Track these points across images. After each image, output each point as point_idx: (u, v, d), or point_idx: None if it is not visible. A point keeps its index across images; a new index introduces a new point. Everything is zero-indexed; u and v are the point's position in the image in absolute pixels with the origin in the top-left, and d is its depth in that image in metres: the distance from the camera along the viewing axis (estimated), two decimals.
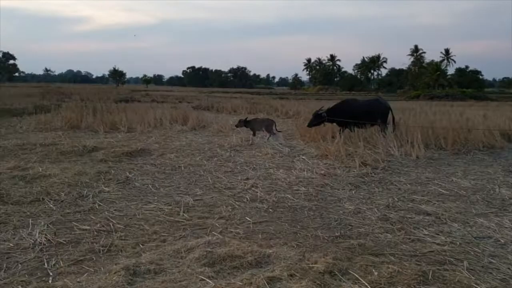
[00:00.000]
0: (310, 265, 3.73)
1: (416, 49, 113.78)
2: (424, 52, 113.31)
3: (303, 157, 9.28)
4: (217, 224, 4.97)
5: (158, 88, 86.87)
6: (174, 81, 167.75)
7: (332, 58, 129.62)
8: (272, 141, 11.14)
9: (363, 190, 6.72)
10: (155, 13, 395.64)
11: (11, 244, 4.26)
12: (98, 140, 11.47)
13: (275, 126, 11.95)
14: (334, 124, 11.97)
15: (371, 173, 7.76)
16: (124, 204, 5.68)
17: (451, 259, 4.08)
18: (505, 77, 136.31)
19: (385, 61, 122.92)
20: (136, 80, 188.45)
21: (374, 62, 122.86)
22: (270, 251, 4.04)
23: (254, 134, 11.65)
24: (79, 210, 5.42)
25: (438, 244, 4.49)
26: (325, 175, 7.61)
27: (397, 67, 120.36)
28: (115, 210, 5.47)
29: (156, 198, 6.02)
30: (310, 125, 11.90)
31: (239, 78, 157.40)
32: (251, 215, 5.36)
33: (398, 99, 61.26)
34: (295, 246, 4.30)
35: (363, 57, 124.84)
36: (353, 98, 12.68)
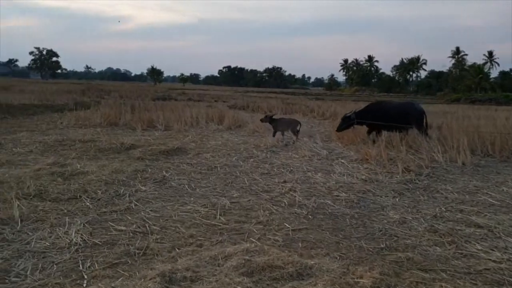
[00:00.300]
0: (356, 280, 3.48)
1: (457, 51, 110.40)
2: (466, 55, 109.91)
3: (342, 160, 8.98)
4: (254, 230, 4.78)
5: (194, 87, 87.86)
6: (210, 80, 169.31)
7: (370, 59, 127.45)
8: (310, 143, 10.87)
9: (407, 198, 6.38)
10: (193, 12, 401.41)
11: (48, 243, 4.21)
12: (136, 137, 11.52)
13: (299, 127, 11.73)
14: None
15: (415, 180, 7.38)
16: (160, 205, 5.58)
17: (510, 279, 3.74)
18: None
19: (425, 63, 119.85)
20: (173, 79, 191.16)
21: (414, 63, 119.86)
22: (312, 262, 3.81)
23: (274, 134, 11.40)
24: (115, 209, 5.35)
25: (493, 261, 4.13)
26: (366, 180, 7.29)
27: (437, 69, 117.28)
28: (151, 210, 5.38)
29: (192, 199, 5.89)
30: (339, 129, 11.58)
31: (274, 78, 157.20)
32: (290, 221, 5.14)
33: (437, 102, 59.82)
34: (338, 258, 4.06)
35: (402, 59, 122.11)
36: (385, 100, 12.24)
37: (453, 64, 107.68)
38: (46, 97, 23.57)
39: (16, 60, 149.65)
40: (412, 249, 4.40)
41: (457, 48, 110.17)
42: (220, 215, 5.24)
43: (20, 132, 12.00)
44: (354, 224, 5.15)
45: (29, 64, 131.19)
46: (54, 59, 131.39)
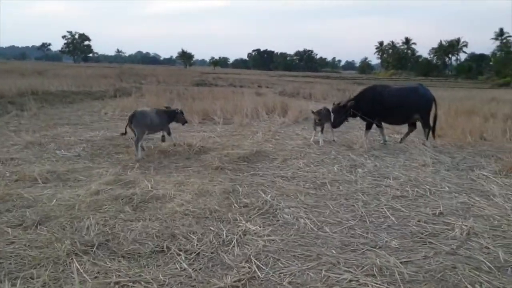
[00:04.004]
0: None
1: (501, 33, 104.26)
2: (511, 36, 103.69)
3: (484, 173, 6.75)
4: None
5: (225, 71, 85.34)
6: (239, 63, 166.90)
7: (407, 41, 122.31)
8: (427, 146, 8.62)
9: None
10: None
11: None
12: (197, 134, 9.57)
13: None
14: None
15: None
16: (296, 268, 3.52)
17: None
18: None
19: (465, 45, 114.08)
20: (201, 62, 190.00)
21: (453, 46, 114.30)
22: None
23: (322, 130, 9.11)
24: (229, 280, 3.34)
25: None
26: None
27: (477, 52, 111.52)
28: (285, 276, 3.35)
29: (334, 252, 3.81)
30: (335, 124, 9.19)
31: (305, 62, 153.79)
32: None
33: (483, 87, 55.96)
34: None
35: (441, 41, 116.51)
36: (383, 84, 9.55)
37: (497, 46, 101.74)
38: (82, 83, 21.87)
39: (49, 44, 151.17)
40: None
41: (501, 30, 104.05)
42: None
43: (62, 126, 10.21)
44: None
45: (62, 48, 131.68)
46: (86, 43, 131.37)
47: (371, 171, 6.83)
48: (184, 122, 8.39)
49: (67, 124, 10.70)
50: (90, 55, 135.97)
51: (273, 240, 4.01)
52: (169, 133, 8.01)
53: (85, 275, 3.27)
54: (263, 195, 5.36)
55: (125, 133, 7.54)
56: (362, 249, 3.90)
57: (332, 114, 9.19)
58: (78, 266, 3.37)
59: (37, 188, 5.36)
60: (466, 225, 4.42)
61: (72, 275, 3.26)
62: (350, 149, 8.51)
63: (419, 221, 4.64)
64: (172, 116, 8.08)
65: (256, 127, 11.31)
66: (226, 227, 4.26)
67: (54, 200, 4.83)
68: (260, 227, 4.31)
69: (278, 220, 4.56)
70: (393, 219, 4.68)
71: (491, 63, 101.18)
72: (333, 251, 3.83)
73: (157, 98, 14.77)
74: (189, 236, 3.99)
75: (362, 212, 4.89)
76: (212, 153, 7.53)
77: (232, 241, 3.93)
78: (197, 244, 3.84)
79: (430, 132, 9.08)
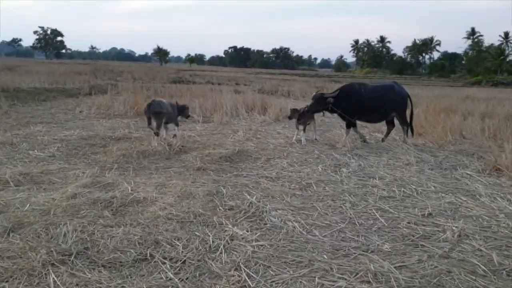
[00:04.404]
0: None
1: (473, 32, 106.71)
2: (482, 36, 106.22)
3: (468, 172, 6.74)
4: None
5: (202, 68, 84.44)
6: (215, 60, 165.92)
7: (382, 39, 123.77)
8: (408, 144, 8.59)
9: None
10: None
11: None
12: (176, 133, 9.30)
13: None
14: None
15: None
16: (288, 276, 3.36)
17: None
18: None
19: (439, 44, 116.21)
20: (177, 59, 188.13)
21: (427, 45, 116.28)
22: None
23: (304, 129, 9.04)
24: (216, 284, 3.16)
25: None
26: None
27: (449, 51, 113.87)
28: (277, 284, 3.19)
29: (326, 257, 3.66)
30: (310, 110, 9.04)
31: (282, 59, 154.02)
32: None
33: (456, 85, 57.11)
34: None
35: (415, 39, 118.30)
36: (360, 82, 9.56)
37: (469, 45, 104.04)
38: (55, 79, 21.20)
39: (20, 40, 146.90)
40: None
41: (473, 29, 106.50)
42: None
43: (35, 125, 9.79)
44: None
45: (33, 44, 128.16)
46: (59, 38, 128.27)
47: (356, 170, 6.74)
48: (188, 116, 9.34)
49: (40, 122, 10.28)
50: (63, 51, 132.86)
51: (262, 245, 3.84)
52: (177, 125, 8.65)
53: (62, 287, 3.03)
54: (248, 196, 5.18)
55: (150, 123, 7.98)
56: (354, 253, 3.76)
57: (312, 100, 9.12)
58: (55, 278, 3.12)
59: (9, 192, 5.05)
60: (456, 227, 4.35)
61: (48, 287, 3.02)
62: (333, 148, 8.42)
63: (409, 222, 4.55)
64: (182, 110, 8.83)
65: (237, 125, 11.12)
66: (212, 232, 4.07)
67: (28, 205, 4.53)
68: (247, 231, 4.13)
69: (265, 224, 4.39)
70: (383, 220, 4.58)
71: (463, 62, 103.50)
72: (325, 256, 3.68)
73: (135, 95, 14.36)
74: (174, 242, 3.79)
75: (350, 214, 4.77)
76: (193, 153, 7.32)
77: (219, 247, 3.74)
78: (182, 251, 3.63)
79: (409, 130, 9.10)
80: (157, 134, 7.91)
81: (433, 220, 4.65)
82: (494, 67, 75.55)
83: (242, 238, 3.96)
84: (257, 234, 4.07)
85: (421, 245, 4.00)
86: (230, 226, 4.22)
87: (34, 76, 22.04)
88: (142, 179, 5.72)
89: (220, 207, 4.77)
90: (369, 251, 3.81)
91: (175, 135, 8.42)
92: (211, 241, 3.86)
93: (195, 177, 5.93)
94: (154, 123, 7.83)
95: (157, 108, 7.86)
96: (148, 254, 3.55)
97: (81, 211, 4.42)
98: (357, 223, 4.52)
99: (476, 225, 4.49)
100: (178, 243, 3.77)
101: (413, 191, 5.67)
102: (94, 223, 4.12)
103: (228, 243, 3.85)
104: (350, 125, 9.01)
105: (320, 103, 8.86)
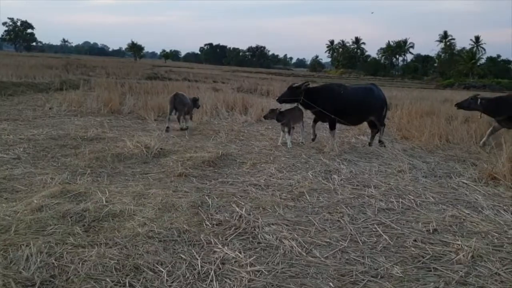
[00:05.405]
0: None
1: (445, 35, 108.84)
2: (454, 39, 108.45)
3: (464, 181, 6.42)
4: None
5: (177, 64, 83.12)
6: (190, 57, 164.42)
7: (357, 41, 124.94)
8: (384, 144, 8.25)
9: None
10: None
11: None
12: (153, 133, 8.72)
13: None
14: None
15: None
16: None
17: None
18: None
19: (412, 46, 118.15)
20: (152, 55, 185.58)
21: (400, 47, 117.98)
22: None
23: (289, 132, 8.61)
24: None
25: None
26: None
27: (422, 53, 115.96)
28: None
29: (333, 287, 3.23)
30: (281, 99, 8.77)
31: (258, 58, 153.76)
32: None
33: (429, 87, 57.95)
34: None
35: (389, 41, 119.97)
36: (340, 84, 9.28)
37: (442, 48, 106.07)
38: (24, 73, 20.14)
39: None
40: None
41: (445, 32, 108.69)
42: None
43: (0, 122, 9.03)
44: None
45: (2, 36, 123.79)
46: (29, 31, 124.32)
47: (348, 178, 6.33)
48: (199, 106, 10.67)
49: (5, 120, 9.51)
50: (34, 44, 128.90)
51: (258, 271, 3.35)
52: (191, 118, 10.25)
53: None
54: (237, 208, 4.70)
55: (171, 113, 9.67)
56: (363, 279, 3.33)
57: (287, 90, 8.78)
58: None
59: None
60: (467, 246, 3.97)
61: None
62: (320, 152, 8.01)
63: (415, 240, 4.15)
64: (196, 102, 10.27)
65: (217, 125, 10.61)
66: (200, 254, 3.56)
67: None
68: (240, 252, 3.64)
69: (259, 243, 3.90)
70: (387, 238, 4.16)
71: (435, 64, 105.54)
72: (331, 284, 3.23)
73: (108, 92, 13.62)
74: (157, 268, 3.26)
75: (351, 230, 4.34)
76: (173, 156, 6.77)
77: (210, 274, 3.24)
78: (167, 280, 3.11)
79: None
80: (178, 120, 9.73)
81: (440, 237, 4.26)
82: (466, 71, 77.20)
83: (235, 262, 3.47)
84: (252, 257, 3.58)
85: (433, 268, 3.59)
86: (220, 246, 3.72)
87: (1, 69, 20.85)
88: (117, 187, 5.15)
89: (207, 222, 4.27)
90: (379, 277, 3.38)
91: (187, 127, 9.75)
92: (199, 266, 3.35)
93: (177, 185, 5.40)
94: (177, 113, 9.55)
95: (182, 100, 9.54)
96: (127, 284, 3.02)
97: (48, 227, 3.84)
98: (359, 241, 4.09)
99: (488, 244, 4.12)
100: (161, 268, 3.25)
101: (412, 202, 5.29)
102: (63, 243, 3.55)
103: (220, 268, 3.35)
104: (334, 126, 8.62)
105: (292, 93, 8.51)
